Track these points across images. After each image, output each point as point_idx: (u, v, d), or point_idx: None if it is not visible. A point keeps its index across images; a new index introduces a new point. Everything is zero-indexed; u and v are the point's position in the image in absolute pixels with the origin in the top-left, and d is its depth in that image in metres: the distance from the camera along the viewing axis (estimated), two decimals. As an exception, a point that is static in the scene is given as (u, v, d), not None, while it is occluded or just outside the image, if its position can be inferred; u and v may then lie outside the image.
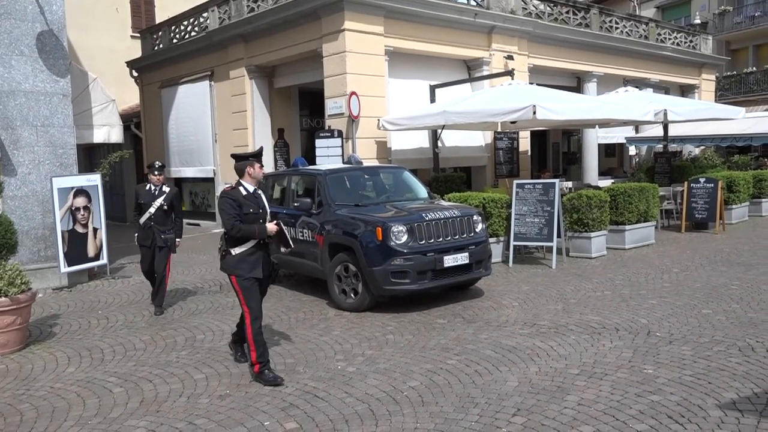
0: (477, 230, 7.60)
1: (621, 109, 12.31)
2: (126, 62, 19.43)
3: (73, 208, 9.28)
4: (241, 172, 5.21)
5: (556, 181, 10.25)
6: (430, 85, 13.74)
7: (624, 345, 5.62)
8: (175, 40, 17.64)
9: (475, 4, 14.67)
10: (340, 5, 12.24)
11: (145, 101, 19.29)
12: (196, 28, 16.89)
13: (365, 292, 7.12)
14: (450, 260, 7.18)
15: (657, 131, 17.97)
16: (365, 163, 10.16)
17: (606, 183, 14.76)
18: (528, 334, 6.06)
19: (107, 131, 13.59)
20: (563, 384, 4.74)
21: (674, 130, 17.92)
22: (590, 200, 10.07)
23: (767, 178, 15.37)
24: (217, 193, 16.38)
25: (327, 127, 12.98)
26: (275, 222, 5.22)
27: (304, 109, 16.79)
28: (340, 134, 12.57)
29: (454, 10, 13.88)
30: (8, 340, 6.09)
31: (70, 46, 11.04)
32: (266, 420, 4.31)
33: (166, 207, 7.50)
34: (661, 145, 17.59)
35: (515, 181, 10.49)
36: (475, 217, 7.66)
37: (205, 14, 16.49)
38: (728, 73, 29.01)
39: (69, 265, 9.20)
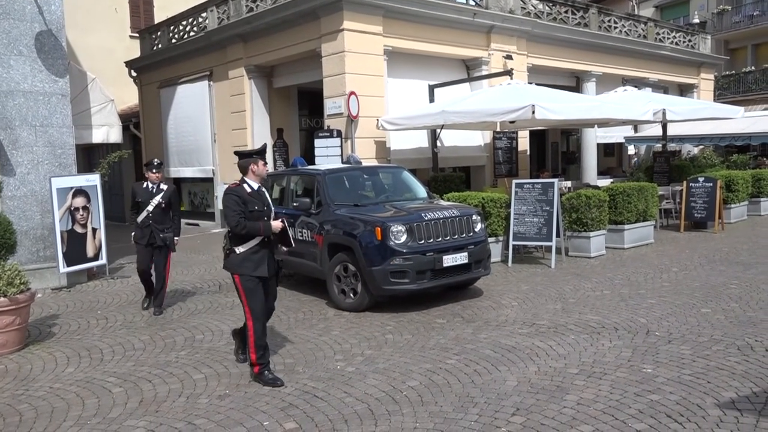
0: (476, 230, 7.60)
1: (620, 108, 12.32)
2: (125, 62, 19.42)
3: (72, 208, 9.28)
4: (244, 170, 5.17)
5: (555, 180, 10.25)
6: (429, 85, 13.74)
7: (623, 344, 5.63)
8: (173, 40, 17.62)
9: (474, 3, 14.67)
10: (339, 5, 12.24)
11: (143, 101, 19.28)
12: (195, 28, 16.87)
13: (364, 291, 7.12)
14: (449, 260, 7.18)
15: (656, 131, 18.00)
16: (364, 163, 10.15)
17: (605, 182, 14.77)
18: (527, 334, 6.06)
19: (106, 131, 13.59)
20: (562, 383, 4.75)
21: (673, 130, 17.94)
22: (589, 200, 10.07)
23: (766, 177, 15.38)
24: (216, 193, 16.41)
25: (326, 127, 12.98)
26: (280, 219, 5.19)
27: (303, 109, 16.78)
28: (339, 134, 12.57)
29: (453, 10, 13.88)
30: (7, 341, 6.08)
31: (68, 46, 11.04)
32: (265, 420, 4.32)
33: (164, 205, 7.45)
34: (660, 145, 17.62)
35: (514, 181, 10.50)
36: (474, 217, 7.66)
37: (203, 14, 16.48)
38: (727, 73, 29.03)
39: (68, 266, 9.20)
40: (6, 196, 9.03)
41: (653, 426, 3.96)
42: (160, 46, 18.23)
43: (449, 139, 14.39)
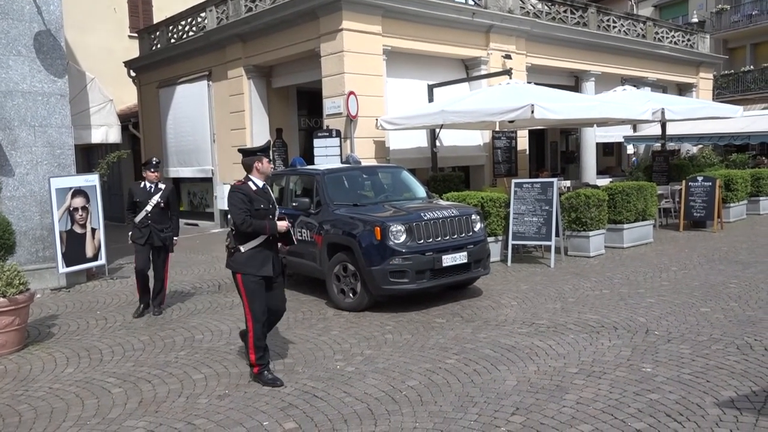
0: (475, 229, 7.60)
1: (619, 108, 12.32)
2: (124, 62, 19.42)
3: (71, 209, 9.27)
4: (248, 167, 5.13)
5: (555, 180, 10.25)
6: (428, 85, 13.74)
7: (622, 344, 5.63)
8: (172, 40, 17.62)
9: (473, 3, 14.68)
10: (338, 5, 12.24)
11: (142, 101, 19.27)
12: (194, 28, 16.87)
13: (364, 291, 7.12)
14: (448, 259, 7.18)
15: (655, 130, 18.00)
16: (363, 163, 10.15)
17: (604, 182, 14.77)
18: (527, 333, 6.06)
19: (105, 131, 13.58)
20: (562, 383, 4.75)
21: (672, 129, 17.94)
22: (588, 199, 10.08)
23: (765, 176, 15.39)
24: (215, 193, 16.42)
25: (325, 127, 12.97)
26: (286, 220, 5.13)
27: (302, 108, 16.78)
28: (338, 134, 12.57)
29: (452, 10, 13.88)
30: (6, 341, 6.08)
31: (67, 46, 11.04)
32: (265, 420, 4.31)
33: (163, 204, 7.39)
34: (659, 144, 17.62)
35: (513, 181, 10.50)
36: (473, 217, 7.66)
37: (202, 14, 16.47)
38: (726, 72, 29.04)
39: (67, 266, 9.19)
40: (5, 197, 9.02)
41: (653, 425, 3.97)
42: (159, 46, 18.22)
43: (448, 138, 14.39)
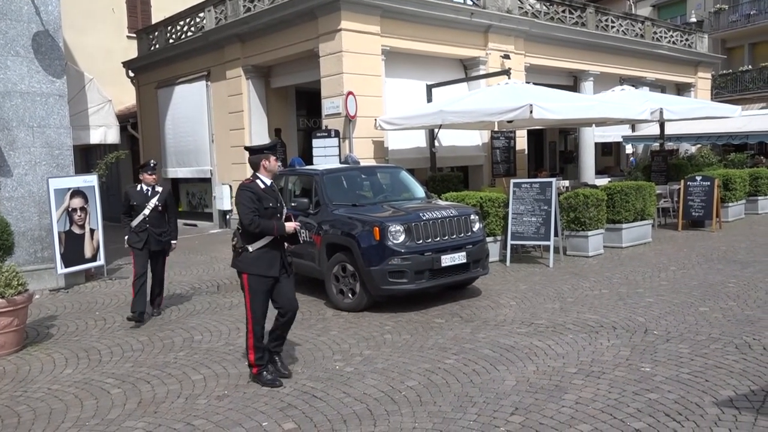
0: (474, 229, 7.60)
1: (617, 107, 12.33)
2: (122, 62, 19.41)
3: (70, 209, 9.26)
4: (256, 165, 5.05)
5: (553, 180, 10.25)
6: (427, 85, 13.74)
7: (621, 343, 5.63)
8: (171, 41, 17.61)
9: (471, 3, 14.69)
10: (337, 5, 12.24)
11: (141, 102, 19.26)
12: (193, 28, 16.86)
13: (363, 292, 7.11)
14: (447, 260, 7.18)
15: (653, 130, 18.01)
16: (362, 163, 10.15)
17: (603, 182, 14.78)
18: (526, 333, 6.06)
19: (104, 132, 13.57)
20: (561, 383, 4.75)
21: (670, 129, 17.97)
22: (587, 199, 10.08)
23: (763, 176, 15.40)
24: (214, 194, 16.40)
25: (324, 127, 12.98)
26: (293, 220, 5.07)
27: (301, 109, 16.78)
28: (337, 134, 12.57)
29: (451, 10, 13.88)
30: (5, 342, 6.07)
31: (66, 47, 11.03)
32: (264, 420, 4.31)
33: (161, 207, 7.24)
34: (658, 144, 17.64)
35: (512, 181, 10.50)
36: (472, 217, 7.66)
37: (201, 14, 16.47)
38: (724, 72, 29.07)
39: (66, 267, 9.18)
40: (3, 197, 9.02)
41: (652, 425, 3.97)
42: (157, 46, 18.21)
43: (447, 138, 14.40)
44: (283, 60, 14.45)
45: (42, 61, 9.39)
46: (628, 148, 22.59)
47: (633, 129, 19.93)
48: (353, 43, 12.48)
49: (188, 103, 17.01)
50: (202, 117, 16.60)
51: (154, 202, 7.22)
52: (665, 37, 20.69)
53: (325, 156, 12.51)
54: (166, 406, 4.64)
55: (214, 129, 16.42)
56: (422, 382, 4.88)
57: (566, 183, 15.31)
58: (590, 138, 18.17)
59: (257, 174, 5.05)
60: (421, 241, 7.08)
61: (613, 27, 18.68)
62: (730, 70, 29.30)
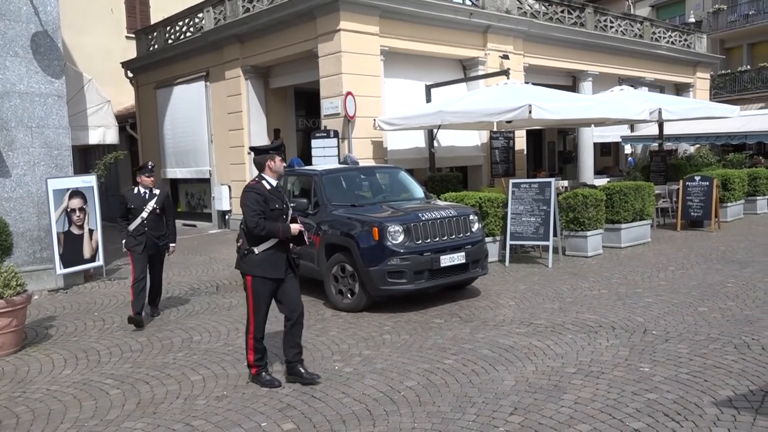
0: (473, 230, 7.60)
1: (616, 108, 12.34)
2: (121, 63, 19.39)
3: (69, 210, 9.25)
4: (261, 166, 5.00)
5: (552, 180, 10.27)
6: (426, 85, 13.75)
7: (620, 343, 5.63)
8: (170, 41, 17.60)
9: (470, 3, 14.69)
10: (336, 5, 12.24)
11: (140, 102, 19.25)
12: (192, 29, 16.85)
13: (362, 292, 7.11)
14: (446, 260, 7.18)
15: (652, 130, 18.03)
16: (361, 163, 10.16)
17: (602, 182, 14.80)
18: (525, 333, 6.06)
19: (102, 132, 13.56)
20: (560, 383, 4.75)
21: (669, 129, 17.97)
22: (586, 199, 10.09)
23: (762, 176, 15.42)
24: (213, 194, 16.40)
25: (323, 128, 12.97)
26: (298, 223, 5.03)
27: (300, 109, 16.78)
28: (336, 134, 12.57)
29: (450, 10, 13.89)
30: (4, 343, 6.07)
31: (64, 47, 11.02)
32: (263, 421, 4.31)
33: (159, 210, 7.15)
34: (657, 144, 17.65)
35: (511, 181, 10.51)
36: (471, 217, 7.66)
37: (200, 15, 16.47)
38: (723, 72, 29.10)
39: (65, 267, 9.18)
40: (2, 198, 9.01)
41: (651, 425, 3.97)
42: (156, 46, 18.21)
43: (446, 139, 14.40)
44: (282, 60, 14.45)
45: (41, 61, 9.38)
46: (627, 149, 22.59)
47: (632, 129, 19.94)
48: (352, 43, 12.48)
49: (187, 104, 17.00)
50: (201, 117, 16.59)
51: (151, 204, 7.12)
52: (664, 38, 20.70)
53: (324, 156, 12.51)
54: (165, 407, 4.64)
55: (213, 129, 16.42)
56: (421, 383, 4.88)
57: (565, 183, 15.33)
58: (589, 138, 18.18)
59: (263, 175, 4.99)
60: (420, 242, 7.08)
61: (611, 27, 18.70)
62: (729, 71, 29.32)
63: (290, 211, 5.07)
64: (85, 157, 19.83)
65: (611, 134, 19.65)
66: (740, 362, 5.00)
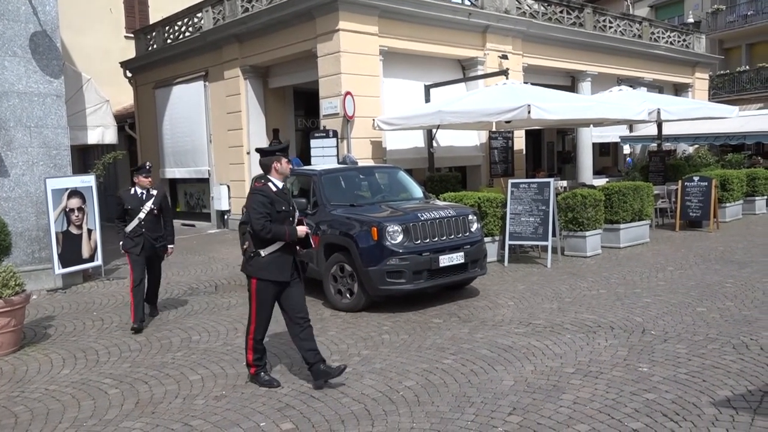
0: (472, 230, 7.61)
1: (615, 108, 12.35)
2: (120, 63, 19.38)
3: (68, 210, 9.25)
4: (266, 168, 4.93)
5: (551, 180, 10.27)
6: (425, 85, 13.76)
7: (619, 343, 5.64)
8: (169, 41, 17.60)
9: (469, 3, 14.70)
10: (335, 5, 12.24)
11: (139, 102, 19.24)
12: (191, 29, 16.85)
13: (361, 292, 7.11)
14: (445, 260, 7.18)
15: (651, 130, 18.05)
16: (360, 163, 10.16)
17: (601, 182, 14.81)
18: (523, 333, 6.07)
19: (101, 132, 13.56)
20: (559, 383, 4.75)
21: (668, 129, 18.00)
22: (585, 199, 10.09)
23: (760, 176, 15.44)
24: (212, 194, 16.39)
25: (322, 127, 12.98)
26: (304, 225, 4.97)
27: (299, 109, 16.79)
28: (335, 134, 12.57)
29: (449, 10, 13.89)
30: (2, 342, 6.06)
31: (63, 47, 11.01)
32: (262, 421, 4.31)
33: (156, 211, 7.07)
34: (655, 144, 17.67)
35: (510, 181, 10.51)
36: (470, 217, 7.67)
37: (199, 14, 16.46)
38: (721, 72, 29.13)
39: (63, 267, 9.17)
40: (1, 198, 9.00)
41: (649, 425, 3.97)
42: (155, 46, 18.20)
43: (445, 139, 14.40)
44: (281, 60, 14.45)
45: (39, 61, 9.37)
46: (626, 149, 22.60)
47: (631, 129, 19.96)
48: (351, 43, 12.48)
49: (186, 104, 17.00)
50: (200, 117, 16.58)
51: (149, 205, 7.01)
52: (663, 38, 20.72)
53: (323, 156, 12.51)
54: (163, 407, 4.64)
55: (211, 129, 16.41)
56: (420, 382, 4.88)
57: (564, 183, 15.33)
58: (588, 138, 18.20)
59: (269, 176, 4.93)
60: (419, 242, 7.09)
61: (610, 27, 18.71)
62: (728, 71, 29.35)
63: (297, 213, 5.02)
64: (83, 157, 19.81)
65: (610, 134, 19.66)
66: (739, 362, 5.01)
